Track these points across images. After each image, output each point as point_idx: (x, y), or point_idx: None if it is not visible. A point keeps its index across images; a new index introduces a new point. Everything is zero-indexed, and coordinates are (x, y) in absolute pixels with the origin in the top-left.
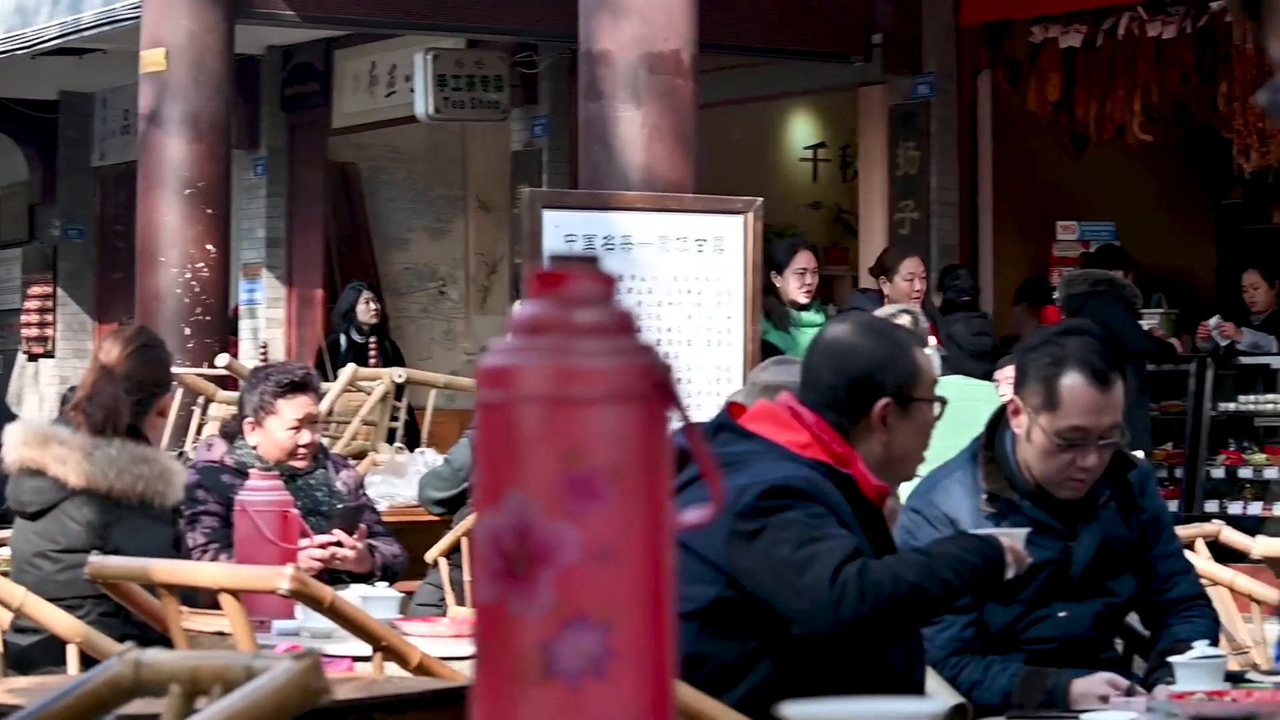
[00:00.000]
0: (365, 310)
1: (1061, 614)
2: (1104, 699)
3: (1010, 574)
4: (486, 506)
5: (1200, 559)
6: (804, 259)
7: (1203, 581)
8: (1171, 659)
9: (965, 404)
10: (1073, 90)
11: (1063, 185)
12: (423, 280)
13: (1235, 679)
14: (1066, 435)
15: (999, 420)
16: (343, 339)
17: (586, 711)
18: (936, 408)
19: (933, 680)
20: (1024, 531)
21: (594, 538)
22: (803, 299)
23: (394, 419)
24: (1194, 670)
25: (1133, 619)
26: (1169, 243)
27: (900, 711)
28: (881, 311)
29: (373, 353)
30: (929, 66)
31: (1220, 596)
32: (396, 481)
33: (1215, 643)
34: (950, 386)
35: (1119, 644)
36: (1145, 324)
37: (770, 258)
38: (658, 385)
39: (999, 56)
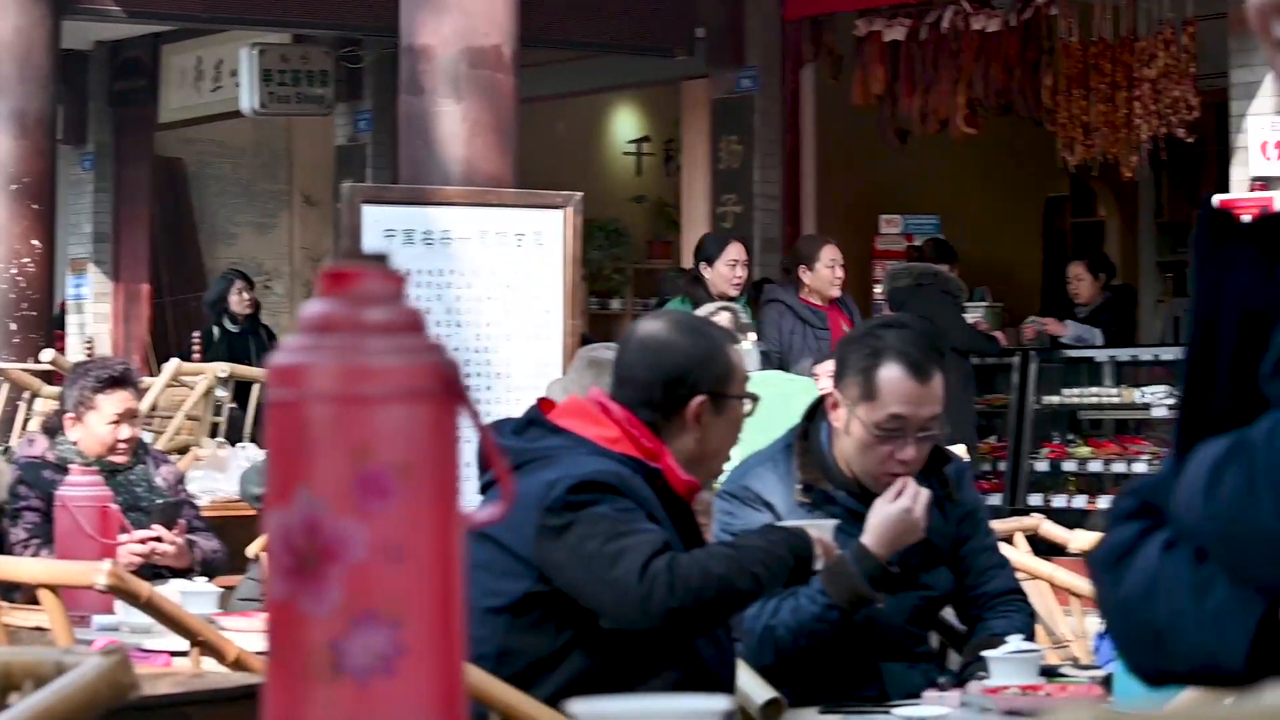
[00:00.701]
0: (239, 300)
1: (878, 606)
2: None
3: (819, 566)
4: (277, 504)
5: (1020, 553)
6: (735, 251)
7: (1022, 576)
8: (986, 653)
9: (786, 398)
10: (896, 83)
11: (886, 179)
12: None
13: (1050, 673)
14: (885, 426)
15: (815, 412)
16: (215, 329)
17: (376, 709)
18: (748, 404)
19: (744, 673)
20: (832, 524)
21: (382, 535)
22: (732, 291)
23: (218, 414)
24: (1008, 664)
25: (949, 613)
26: (994, 236)
27: (686, 709)
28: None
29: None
30: (752, 60)
31: (1040, 591)
32: (218, 476)
33: (1030, 637)
34: (771, 381)
35: (935, 638)
36: (970, 317)
37: (700, 250)
38: (446, 383)
39: (822, 50)
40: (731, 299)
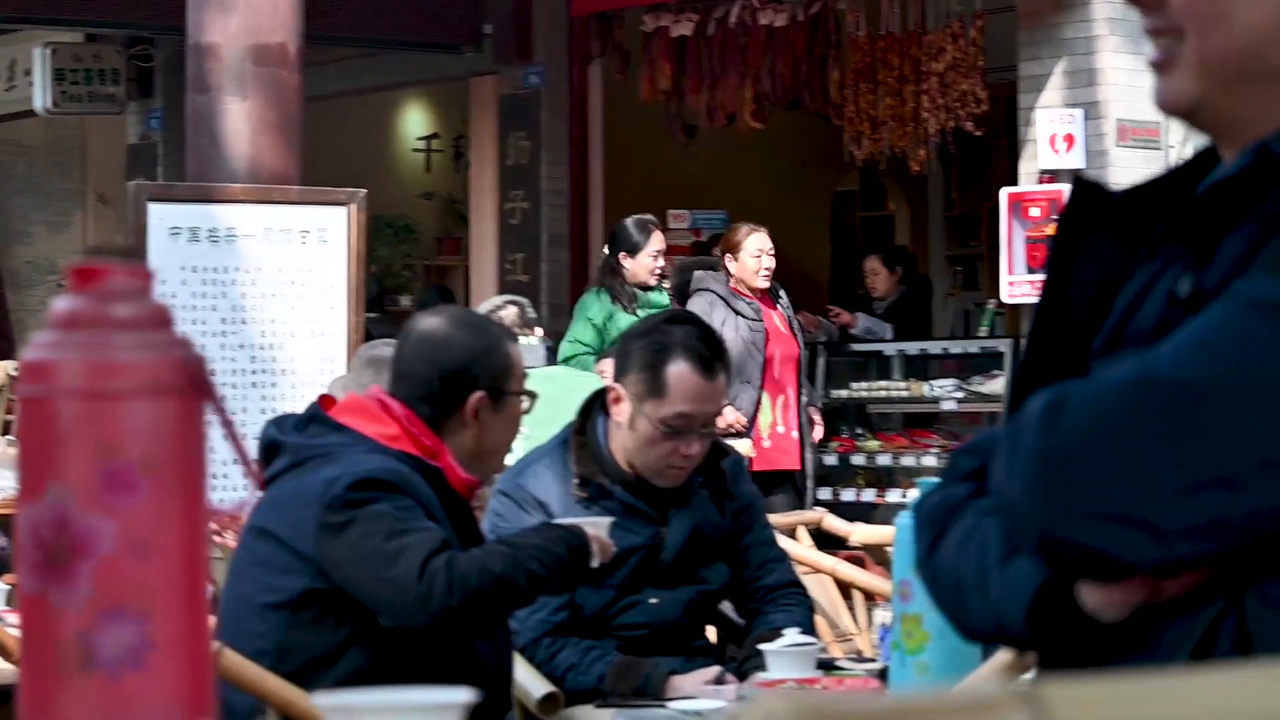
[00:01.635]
0: None
1: (653, 600)
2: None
3: (595, 563)
4: (28, 499)
5: (803, 547)
6: (657, 241)
7: (805, 569)
8: (763, 647)
9: (571, 393)
10: (684, 79)
11: (674, 174)
12: (43, 274)
13: (827, 666)
14: (672, 423)
15: (592, 406)
16: None
17: (127, 702)
18: (526, 401)
19: (523, 668)
20: (608, 521)
21: (129, 530)
22: (653, 282)
23: (9, 412)
24: (785, 658)
25: (728, 607)
26: (783, 230)
27: (429, 701)
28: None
29: None
30: (539, 56)
31: (823, 584)
32: (7, 474)
33: (809, 630)
34: (556, 377)
35: (713, 632)
36: None
37: (620, 239)
38: (192, 379)
39: (610, 45)
40: (650, 288)
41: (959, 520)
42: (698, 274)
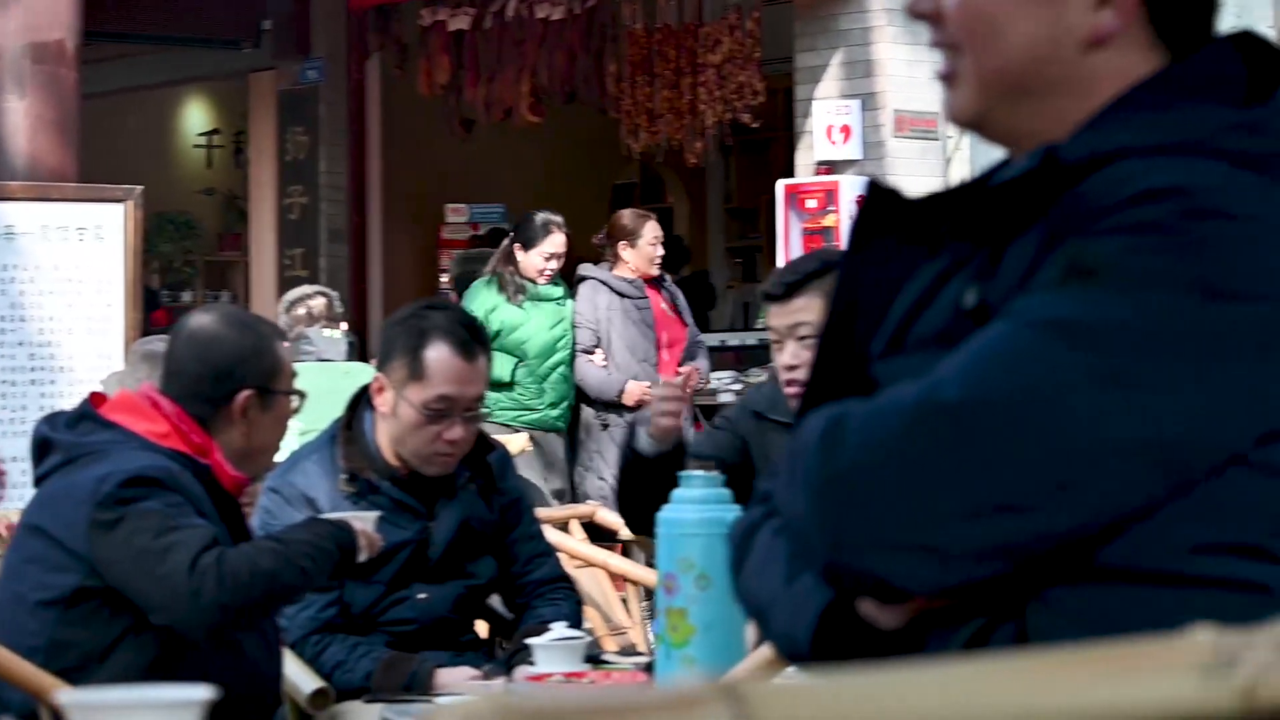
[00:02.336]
0: None
1: (421, 595)
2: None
3: (363, 557)
4: None
5: (574, 540)
6: (554, 244)
7: (578, 562)
8: (531, 641)
9: (345, 391)
10: (462, 73)
11: (453, 168)
12: None
13: (594, 660)
14: (433, 406)
15: (360, 401)
16: None
17: None
18: (295, 401)
19: (293, 664)
20: (374, 515)
21: None
22: (542, 282)
23: None
24: (552, 652)
25: (497, 601)
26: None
27: (168, 699)
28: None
29: None
30: (318, 51)
31: (596, 577)
32: None
33: (577, 624)
34: (330, 372)
35: (484, 627)
36: None
37: (521, 229)
38: None
39: (388, 40)
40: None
41: (756, 542)
42: (581, 265)
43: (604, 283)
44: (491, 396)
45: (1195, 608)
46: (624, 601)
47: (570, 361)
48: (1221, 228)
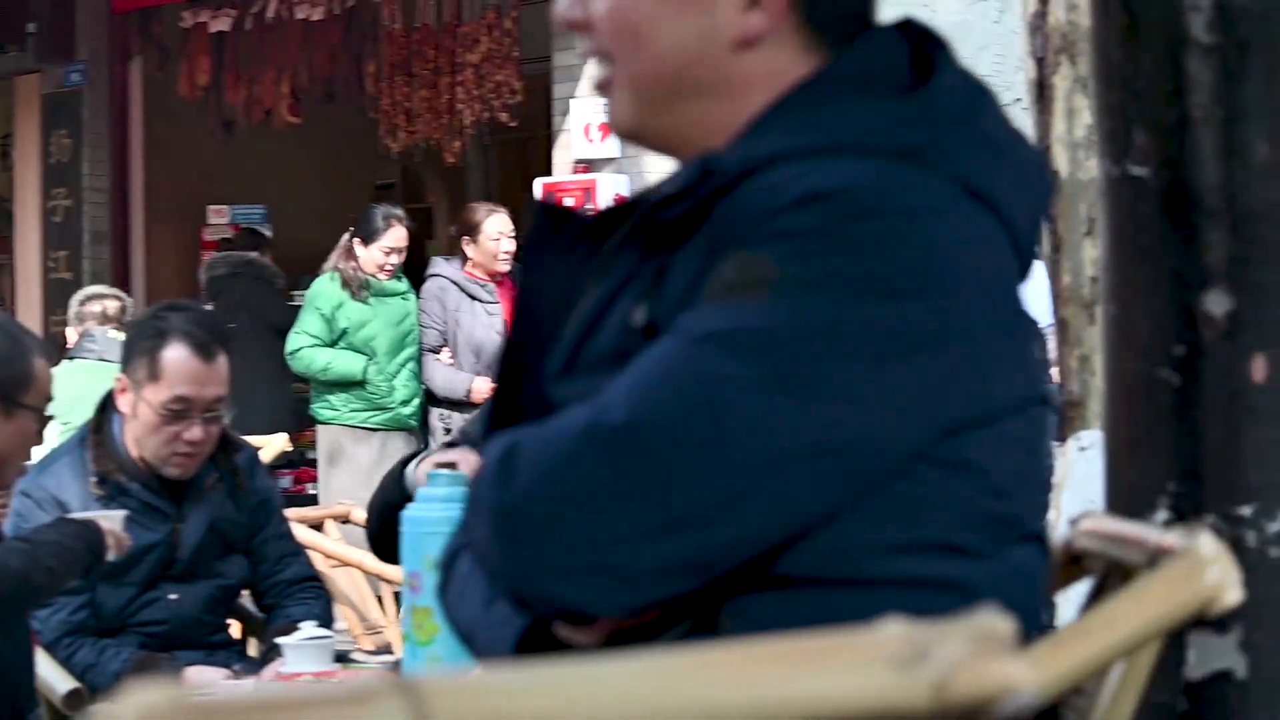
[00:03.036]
0: None
1: (172, 596)
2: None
3: (111, 556)
4: None
5: (330, 540)
6: (394, 238)
7: (333, 562)
8: (280, 640)
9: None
10: (223, 74)
11: (215, 170)
12: None
13: (343, 659)
14: (171, 406)
15: (108, 403)
16: None
17: None
18: (35, 423)
19: (47, 666)
20: (121, 514)
21: None
22: (383, 277)
23: None
24: (302, 651)
25: (249, 601)
26: (324, 223)
27: None
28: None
29: None
30: (82, 54)
31: (352, 577)
32: None
33: (326, 624)
34: (105, 372)
35: (235, 626)
36: (298, 304)
37: (361, 223)
38: None
39: (149, 42)
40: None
41: (459, 565)
42: (433, 259)
43: (454, 282)
44: (339, 398)
45: (888, 608)
46: (380, 600)
47: (418, 358)
48: (881, 226)
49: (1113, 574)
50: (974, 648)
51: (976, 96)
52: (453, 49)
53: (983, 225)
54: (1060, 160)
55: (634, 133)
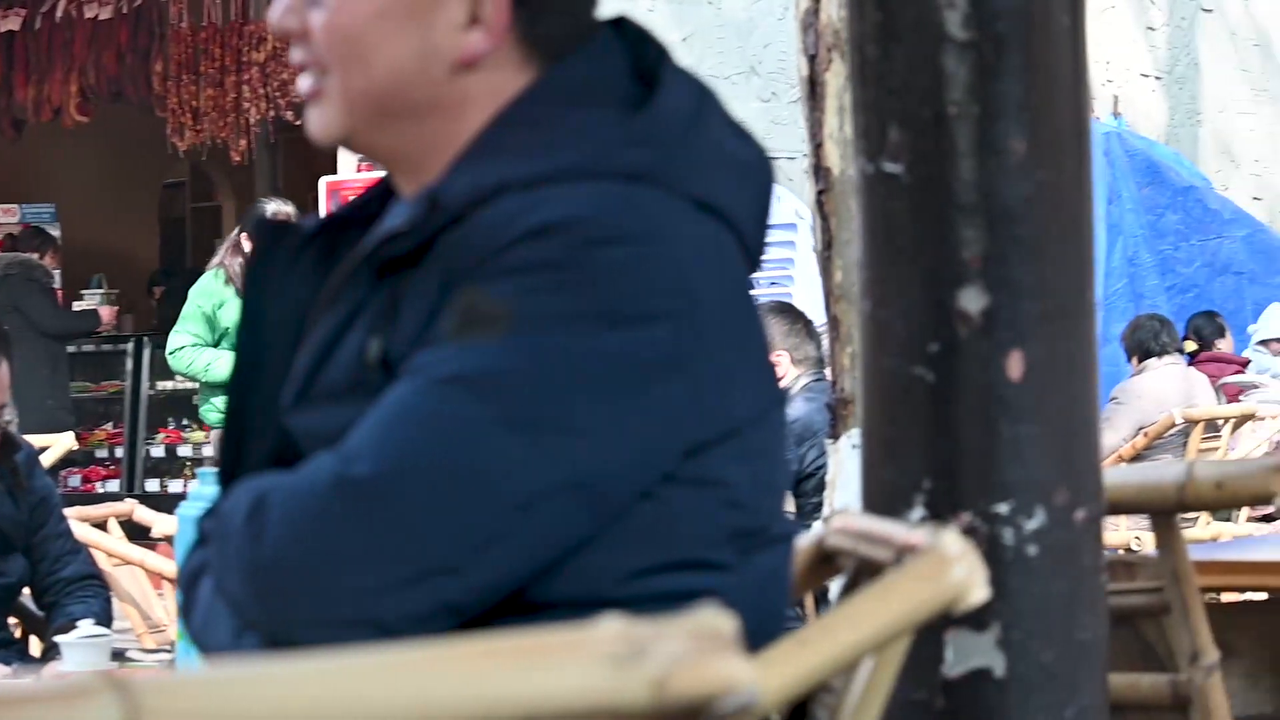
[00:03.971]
0: None
1: None
2: None
3: None
4: None
5: (112, 538)
6: None
7: (116, 560)
8: (59, 638)
9: None
10: (12, 73)
11: (3, 169)
12: None
13: (120, 656)
14: None
15: None
16: None
17: None
18: None
19: None
20: None
21: None
22: None
23: None
24: (78, 649)
25: (29, 599)
26: (111, 223)
27: None
28: None
29: None
30: None
31: (134, 575)
32: None
33: (105, 622)
34: None
35: (14, 624)
36: (86, 304)
37: (247, 218)
38: None
39: None
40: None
41: (200, 590)
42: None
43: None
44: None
45: None
46: (162, 599)
47: None
48: (615, 253)
49: (863, 572)
50: (694, 645)
51: (700, 104)
52: (239, 47)
53: (716, 239)
54: (832, 157)
55: (340, 143)
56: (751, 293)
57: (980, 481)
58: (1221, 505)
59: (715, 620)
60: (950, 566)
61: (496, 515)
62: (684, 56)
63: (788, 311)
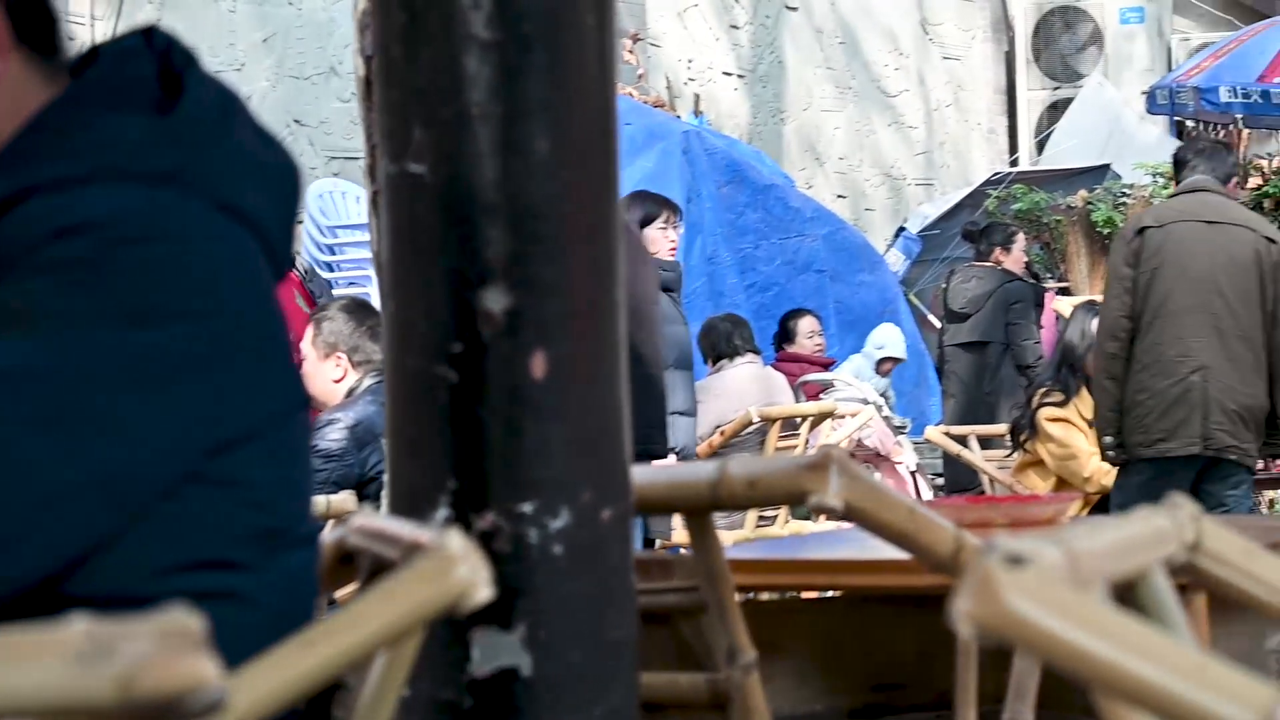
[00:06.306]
0: None
1: None
2: None
3: None
4: None
5: None
6: None
7: None
8: None
9: None
10: None
11: None
12: None
13: None
14: None
15: None
16: None
17: None
18: None
19: None
20: None
21: None
22: None
23: None
24: None
25: None
26: None
27: None
28: None
29: None
30: None
31: None
32: None
33: None
34: None
35: None
36: None
37: None
38: None
39: None
40: None
41: None
42: None
43: None
44: None
45: None
46: None
47: None
48: (143, 253)
49: (378, 572)
50: (161, 645)
51: (227, 109)
52: None
53: (241, 242)
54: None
55: None
56: (275, 296)
57: (505, 481)
58: (755, 503)
59: (184, 619)
60: (454, 566)
61: (17, 515)
62: (265, 57)
63: (358, 310)
